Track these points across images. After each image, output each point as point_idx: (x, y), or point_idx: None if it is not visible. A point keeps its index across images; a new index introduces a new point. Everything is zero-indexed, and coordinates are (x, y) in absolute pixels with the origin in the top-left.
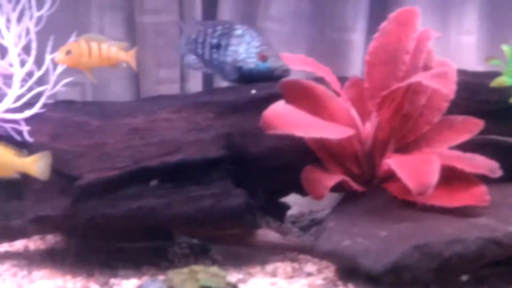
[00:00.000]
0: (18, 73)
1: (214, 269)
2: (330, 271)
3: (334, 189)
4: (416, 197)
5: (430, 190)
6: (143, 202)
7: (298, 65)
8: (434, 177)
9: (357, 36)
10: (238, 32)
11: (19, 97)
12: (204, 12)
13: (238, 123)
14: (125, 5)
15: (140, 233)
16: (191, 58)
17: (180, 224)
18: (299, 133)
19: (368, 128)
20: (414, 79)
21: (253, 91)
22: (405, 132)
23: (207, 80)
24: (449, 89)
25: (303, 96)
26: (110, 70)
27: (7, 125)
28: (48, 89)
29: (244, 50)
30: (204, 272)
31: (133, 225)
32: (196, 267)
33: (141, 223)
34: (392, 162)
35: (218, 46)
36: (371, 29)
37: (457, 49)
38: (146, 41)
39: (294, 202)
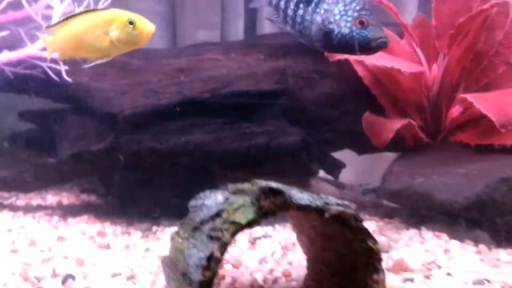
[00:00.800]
0: (58, 8)
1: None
2: (393, 226)
3: (391, 145)
4: (496, 136)
5: None
6: (191, 136)
7: None
8: None
9: None
10: None
11: None
12: None
13: (290, 65)
14: None
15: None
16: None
17: (230, 163)
18: (369, 60)
19: (434, 71)
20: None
21: None
22: (477, 74)
23: None
24: None
25: None
26: None
27: (45, 64)
28: None
29: (340, 11)
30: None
31: (179, 161)
32: (256, 180)
33: (188, 159)
34: (470, 96)
35: (308, 1)
36: None
37: None
38: (185, 1)
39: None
